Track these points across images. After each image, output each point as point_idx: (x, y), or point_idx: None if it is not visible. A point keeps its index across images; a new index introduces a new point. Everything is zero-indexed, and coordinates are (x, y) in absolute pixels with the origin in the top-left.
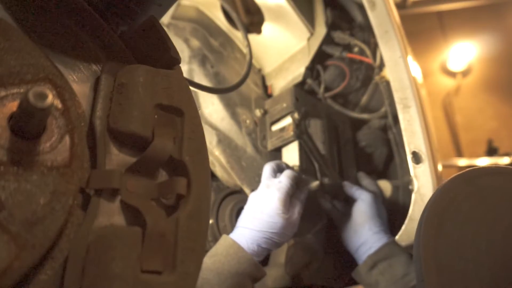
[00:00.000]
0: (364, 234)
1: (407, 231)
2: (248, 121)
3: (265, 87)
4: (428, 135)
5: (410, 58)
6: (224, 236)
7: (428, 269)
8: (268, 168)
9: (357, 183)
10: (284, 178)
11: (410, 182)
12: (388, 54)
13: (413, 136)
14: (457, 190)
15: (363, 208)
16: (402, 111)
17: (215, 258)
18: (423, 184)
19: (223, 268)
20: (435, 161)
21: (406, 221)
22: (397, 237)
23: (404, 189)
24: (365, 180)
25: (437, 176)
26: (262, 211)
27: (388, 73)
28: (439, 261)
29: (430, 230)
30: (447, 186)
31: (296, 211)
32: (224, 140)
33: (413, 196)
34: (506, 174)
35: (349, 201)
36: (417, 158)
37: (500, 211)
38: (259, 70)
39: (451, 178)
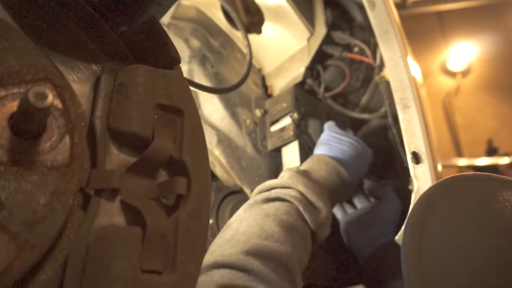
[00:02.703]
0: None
1: None
2: (248, 121)
3: (265, 87)
4: (428, 135)
5: (410, 58)
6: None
7: (415, 270)
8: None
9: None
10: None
11: (410, 182)
12: (388, 54)
13: (412, 136)
14: (436, 197)
15: (386, 208)
16: (402, 111)
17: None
18: (422, 184)
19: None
20: (435, 161)
21: (406, 222)
22: (396, 237)
23: (404, 189)
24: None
25: (437, 176)
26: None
27: (388, 73)
28: (423, 260)
29: (415, 234)
30: (428, 194)
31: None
32: (224, 140)
33: (413, 196)
34: (479, 180)
35: (355, 201)
36: (416, 158)
37: (473, 213)
38: (259, 70)
39: (432, 187)
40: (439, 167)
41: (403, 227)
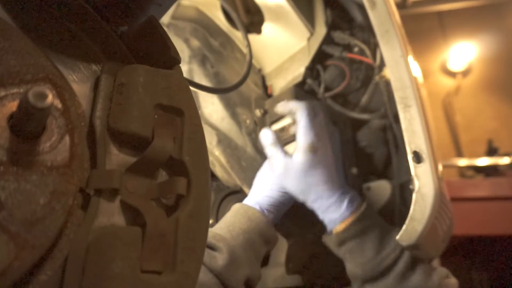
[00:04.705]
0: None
1: (408, 231)
2: (248, 121)
3: (265, 87)
4: (428, 135)
5: (410, 58)
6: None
7: None
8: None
9: (356, 182)
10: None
11: (410, 181)
12: (388, 54)
13: (414, 136)
14: None
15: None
16: (402, 111)
17: (224, 219)
18: (424, 183)
19: (234, 225)
20: (435, 160)
21: (407, 221)
22: (397, 237)
23: (404, 189)
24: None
25: (437, 175)
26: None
27: (388, 72)
28: None
29: None
30: None
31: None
32: (224, 140)
33: (414, 195)
34: None
35: None
36: (418, 157)
37: None
38: (259, 70)
39: None
40: (440, 167)
41: (403, 227)
